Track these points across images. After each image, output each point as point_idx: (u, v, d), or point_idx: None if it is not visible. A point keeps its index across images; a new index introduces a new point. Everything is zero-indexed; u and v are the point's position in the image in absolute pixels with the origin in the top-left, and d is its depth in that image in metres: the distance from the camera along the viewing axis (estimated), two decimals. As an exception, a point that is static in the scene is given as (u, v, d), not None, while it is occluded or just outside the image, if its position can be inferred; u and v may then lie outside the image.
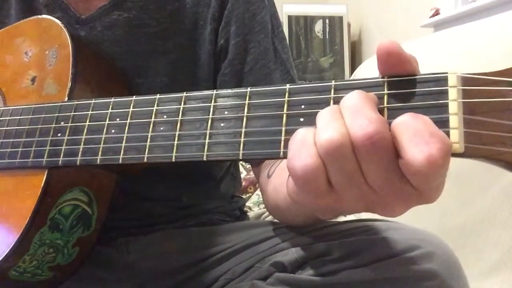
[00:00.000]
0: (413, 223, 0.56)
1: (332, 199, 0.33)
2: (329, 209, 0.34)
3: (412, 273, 0.47)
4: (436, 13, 2.04)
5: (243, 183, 1.56)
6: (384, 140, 0.30)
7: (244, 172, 1.61)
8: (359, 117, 0.30)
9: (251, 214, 1.35)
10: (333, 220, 0.59)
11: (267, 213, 1.35)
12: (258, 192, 1.55)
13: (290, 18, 2.61)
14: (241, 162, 1.56)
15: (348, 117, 0.31)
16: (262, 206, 1.46)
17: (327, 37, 2.64)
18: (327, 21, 2.64)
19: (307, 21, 2.64)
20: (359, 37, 2.80)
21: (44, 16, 0.61)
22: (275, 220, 0.64)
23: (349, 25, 2.66)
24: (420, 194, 0.32)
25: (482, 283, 0.69)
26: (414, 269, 0.47)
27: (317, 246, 0.52)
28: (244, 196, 1.08)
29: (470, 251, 0.74)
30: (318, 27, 2.65)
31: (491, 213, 0.73)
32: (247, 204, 1.45)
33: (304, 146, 0.32)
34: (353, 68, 2.58)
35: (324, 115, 0.32)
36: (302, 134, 0.32)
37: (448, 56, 0.95)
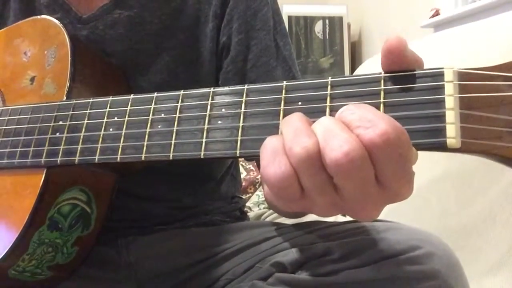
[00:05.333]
0: (413, 223, 0.56)
1: (305, 203, 0.33)
2: (303, 210, 0.35)
3: (412, 273, 0.47)
4: (436, 13, 2.04)
5: (243, 184, 1.56)
6: (358, 160, 0.29)
7: (244, 172, 1.61)
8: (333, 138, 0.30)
9: (251, 214, 1.35)
10: (333, 220, 0.59)
11: (267, 213, 1.35)
12: (258, 192, 1.55)
13: (290, 18, 2.61)
14: (241, 162, 1.57)
15: (321, 136, 0.31)
16: (262, 206, 1.46)
17: (327, 37, 2.64)
18: (327, 21, 2.64)
19: (307, 22, 2.64)
20: (359, 38, 2.80)
21: (42, 16, 0.61)
22: (275, 221, 0.65)
23: (349, 26, 2.65)
24: (388, 192, 0.32)
25: (482, 283, 0.69)
26: (414, 269, 0.47)
27: (317, 246, 0.52)
28: (244, 197, 1.08)
29: (470, 251, 0.74)
30: (318, 27, 2.64)
31: (491, 213, 0.73)
32: (247, 204, 1.45)
33: (277, 156, 0.32)
34: (353, 69, 2.58)
35: (293, 123, 0.32)
36: (273, 143, 0.32)
37: (448, 56, 0.95)
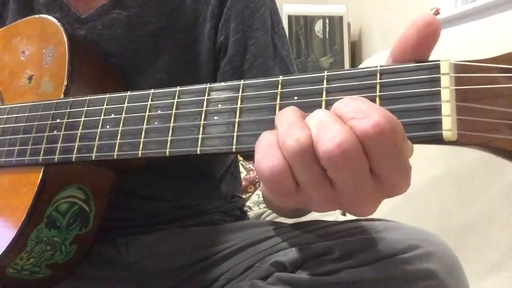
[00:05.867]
0: (413, 222, 0.55)
1: (300, 198, 0.33)
2: (299, 206, 0.34)
3: (412, 273, 0.47)
4: (436, 13, 2.04)
5: (243, 183, 1.56)
6: (351, 151, 0.29)
7: (244, 172, 1.61)
8: (326, 130, 0.30)
9: (251, 213, 1.35)
10: (333, 220, 0.59)
11: (267, 213, 1.35)
12: (258, 192, 1.55)
13: (290, 18, 2.61)
14: (241, 161, 1.57)
15: (314, 128, 0.31)
16: (262, 205, 1.46)
17: (327, 37, 2.63)
18: (327, 21, 2.64)
19: (307, 21, 2.64)
20: (359, 37, 2.80)
21: (41, 15, 0.61)
22: (275, 220, 0.64)
23: (349, 25, 2.65)
24: (385, 185, 0.31)
25: (482, 283, 0.69)
26: (414, 268, 0.47)
27: (317, 245, 0.52)
28: (244, 196, 1.08)
29: (470, 251, 0.74)
30: (318, 27, 2.64)
31: (491, 213, 0.73)
32: (247, 203, 1.45)
33: (271, 149, 0.31)
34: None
35: (287, 117, 0.32)
36: (267, 137, 0.32)
37: (448, 56, 0.95)
